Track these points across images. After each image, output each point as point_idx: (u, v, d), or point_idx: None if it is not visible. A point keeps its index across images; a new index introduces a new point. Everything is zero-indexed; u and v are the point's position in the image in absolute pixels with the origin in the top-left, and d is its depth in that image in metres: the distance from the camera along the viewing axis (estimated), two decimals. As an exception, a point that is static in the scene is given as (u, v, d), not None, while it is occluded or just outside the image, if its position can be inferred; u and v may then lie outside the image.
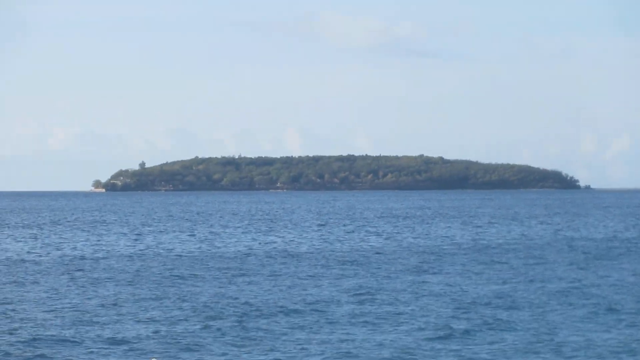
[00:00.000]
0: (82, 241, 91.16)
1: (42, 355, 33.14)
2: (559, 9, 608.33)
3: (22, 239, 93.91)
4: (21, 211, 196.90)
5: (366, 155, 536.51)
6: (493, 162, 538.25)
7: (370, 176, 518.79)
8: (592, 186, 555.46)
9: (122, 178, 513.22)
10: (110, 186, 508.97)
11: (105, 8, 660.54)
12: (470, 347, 34.05)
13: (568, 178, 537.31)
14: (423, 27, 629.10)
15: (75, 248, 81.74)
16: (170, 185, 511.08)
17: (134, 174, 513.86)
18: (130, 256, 71.30)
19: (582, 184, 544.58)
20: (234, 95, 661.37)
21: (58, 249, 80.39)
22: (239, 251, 76.59)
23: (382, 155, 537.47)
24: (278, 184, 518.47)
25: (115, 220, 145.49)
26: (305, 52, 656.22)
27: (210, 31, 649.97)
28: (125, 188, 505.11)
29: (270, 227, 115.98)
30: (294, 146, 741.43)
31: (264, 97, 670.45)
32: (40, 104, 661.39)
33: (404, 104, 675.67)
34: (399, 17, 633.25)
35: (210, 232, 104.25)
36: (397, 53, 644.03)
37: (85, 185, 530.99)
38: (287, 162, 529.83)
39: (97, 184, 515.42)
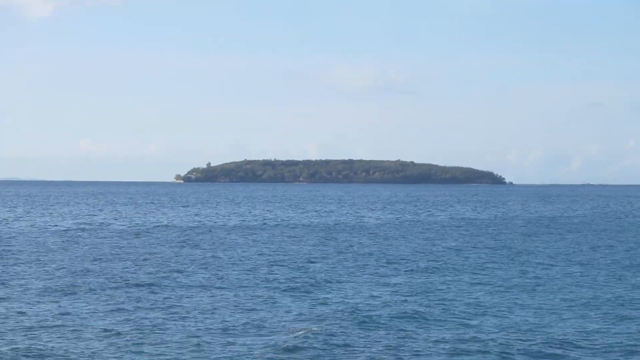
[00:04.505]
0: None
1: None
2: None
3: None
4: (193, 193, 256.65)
5: (361, 159, 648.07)
6: (448, 165, 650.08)
7: (363, 174, 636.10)
8: (514, 182, 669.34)
9: (195, 173, 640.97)
10: (187, 179, 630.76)
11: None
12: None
13: (498, 176, 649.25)
14: (404, 73, 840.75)
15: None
16: (227, 179, 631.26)
17: (203, 170, 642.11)
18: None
19: (507, 180, 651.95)
20: (274, 120, 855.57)
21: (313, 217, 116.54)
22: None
23: (372, 159, 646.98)
24: (300, 179, 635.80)
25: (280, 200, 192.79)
26: (321, 93, 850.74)
27: (255, 78, 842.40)
28: (197, 180, 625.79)
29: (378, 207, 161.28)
30: (312, 153, 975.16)
31: (293, 122, 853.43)
32: (140, 123, 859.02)
33: (390, 125, 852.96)
34: (387, 65, 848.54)
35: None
36: (386, 91, 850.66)
37: (169, 177, 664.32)
38: (307, 163, 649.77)
39: (177, 177, 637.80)
